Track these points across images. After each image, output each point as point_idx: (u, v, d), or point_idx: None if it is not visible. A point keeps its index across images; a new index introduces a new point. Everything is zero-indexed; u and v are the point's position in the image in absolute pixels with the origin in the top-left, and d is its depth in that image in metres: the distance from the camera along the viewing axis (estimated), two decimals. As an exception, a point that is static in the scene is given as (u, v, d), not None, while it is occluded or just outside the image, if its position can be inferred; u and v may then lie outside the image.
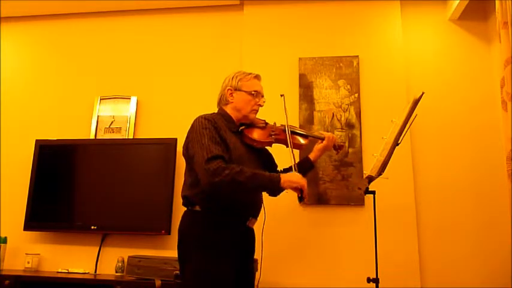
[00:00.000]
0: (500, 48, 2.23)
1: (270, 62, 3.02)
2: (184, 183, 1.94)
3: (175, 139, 2.91)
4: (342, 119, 2.84)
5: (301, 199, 1.82)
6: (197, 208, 1.86)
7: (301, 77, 2.94)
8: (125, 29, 3.37)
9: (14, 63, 3.44)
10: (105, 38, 3.38)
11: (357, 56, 2.92)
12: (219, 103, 2.09)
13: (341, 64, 2.92)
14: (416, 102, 2.09)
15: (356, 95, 2.86)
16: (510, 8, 2.14)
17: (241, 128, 2.05)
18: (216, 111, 2.07)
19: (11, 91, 3.37)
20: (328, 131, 2.80)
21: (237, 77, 2.04)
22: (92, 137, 3.13)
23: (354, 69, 2.90)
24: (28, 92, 3.35)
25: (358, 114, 2.82)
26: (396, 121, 2.16)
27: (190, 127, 1.92)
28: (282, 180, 1.79)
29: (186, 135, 1.88)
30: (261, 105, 2.06)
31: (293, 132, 2.16)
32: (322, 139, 2.22)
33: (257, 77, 2.08)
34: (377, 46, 2.96)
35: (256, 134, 2.03)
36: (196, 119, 1.93)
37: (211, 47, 3.22)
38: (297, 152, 2.32)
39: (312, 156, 2.22)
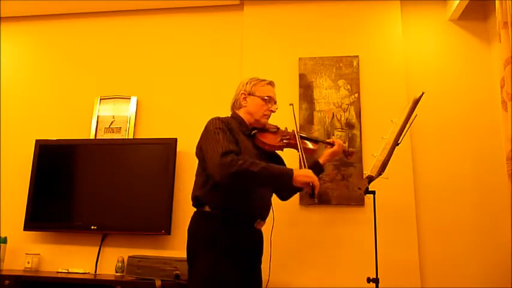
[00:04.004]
0: (500, 48, 2.23)
1: (270, 62, 3.02)
2: (195, 184, 1.97)
3: (175, 139, 2.91)
4: (342, 119, 2.84)
5: (312, 195, 1.78)
6: (207, 209, 1.88)
7: (301, 77, 2.94)
8: (125, 29, 3.37)
9: (14, 63, 3.44)
10: (105, 38, 3.38)
11: (357, 56, 2.92)
12: (233, 107, 2.13)
13: (341, 64, 2.92)
14: (416, 102, 2.09)
15: (356, 95, 2.86)
16: (510, 8, 2.14)
17: (253, 131, 2.08)
18: (228, 115, 2.11)
19: (11, 91, 3.37)
20: (328, 131, 2.82)
21: (251, 82, 2.10)
22: (92, 137, 3.13)
23: (354, 69, 2.90)
24: (28, 92, 3.35)
25: (358, 114, 2.82)
26: (396, 121, 2.16)
27: (205, 127, 1.95)
28: (294, 174, 1.78)
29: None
30: (273, 111, 2.12)
31: (304, 138, 2.21)
32: (332, 144, 2.25)
33: (271, 83, 2.14)
34: (377, 46, 2.96)
35: (267, 138, 2.07)
36: (210, 119, 1.96)
37: (211, 47, 3.22)
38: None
39: (321, 160, 2.24)
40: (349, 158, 2.38)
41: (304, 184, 1.80)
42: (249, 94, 2.08)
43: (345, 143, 2.76)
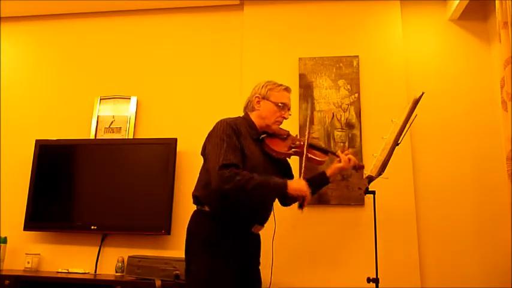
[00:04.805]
0: (500, 48, 2.23)
1: (270, 62, 3.02)
2: (197, 182, 1.97)
3: (175, 139, 2.90)
4: (342, 119, 2.84)
5: (300, 206, 1.86)
6: (206, 208, 1.88)
7: (301, 77, 2.94)
8: (125, 29, 3.37)
9: (14, 63, 3.44)
10: (105, 38, 3.38)
11: (357, 56, 2.92)
12: (246, 108, 2.10)
13: (341, 64, 2.92)
14: (416, 102, 2.09)
15: (356, 95, 2.86)
16: (510, 8, 2.14)
17: (262, 136, 2.05)
18: (230, 115, 2.08)
19: (11, 91, 3.37)
20: (328, 131, 2.81)
21: (267, 86, 2.06)
22: (92, 137, 3.13)
23: (354, 69, 2.90)
24: (28, 92, 3.35)
25: (358, 114, 2.82)
26: (396, 121, 2.16)
27: (212, 129, 1.94)
28: (288, 188, 1.82)
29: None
30: (285, 118, 2.08)
31: (314, 147, 2.16)
32: (339, 159, 2.16)
33: (287, 89, 2.10)
34: (377, 46, 2.96)
35: (276, 145, 2.04)
36: (219, 122, 1.94)
37: (211, 47, 3.22)
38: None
39: (328, 172, 2.17)
40: (358, 171, 2.33)
41: (297, 195, 1.86)
42: (263, 98, 2.04)
43: (344, 143, 2.75)
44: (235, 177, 1.75)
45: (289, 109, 2.09)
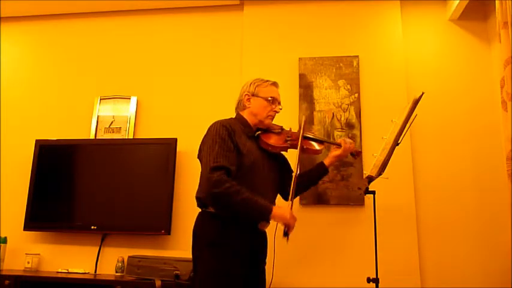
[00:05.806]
0: (500, 48, 2.23)
1: (270, 62, 3.02)
2: (199, 185, 1.98)
3: (175, 139, 2.91)
4: (342, 119, 2.84)
5: (285, 234, 1.86)
6: (210, 209, 1.89)
7: (301, 77, 2.94)
8: (124, 29, 3.37)
9: (14, 63, 3.44)
10: (105, 38, 3.38)
11: (357, 56, 2.92)
12: (237, 108, 2.14)
13: (341, 64, 2.92)
14: (416, 102, 2.09)
15: (356, 95, 2.86)
16: (510, 8, 2.14)
17: (257, 132, 2.09)
18: (230, 116, 2.11)
19: (11, 91, 3.37)
20: (328, 131, 2.81)
21: (254, 83, 2.11)
22: (92, 137, 3.13)
23: (354, 69, 2.90)
24: (28, 92, 3.35)
25: (358, 114, 2.82)
26: (396, 121, 2.16)
27: (207, 131, 1.96)
28: (272, 214, 1.83)
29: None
30: (277, 112, 2.12)
31: (309, 138, 2.20)
32: (339, 145, 2.24)
33: (274, 84, 2.14)
34: (377, 46, 2.96)
35: (271, 139, 2.08)
36: (213, 124, 1.96)
37: (211, 47, 3.22)
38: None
39: (326, 161, 2.24)
40: (356, 157, 2.38)
41: (282, 223, 1.87)
42: (253, 95, 2.08)
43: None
44: (225, 183, 1.77)
45: (279, 103, 2.13)
